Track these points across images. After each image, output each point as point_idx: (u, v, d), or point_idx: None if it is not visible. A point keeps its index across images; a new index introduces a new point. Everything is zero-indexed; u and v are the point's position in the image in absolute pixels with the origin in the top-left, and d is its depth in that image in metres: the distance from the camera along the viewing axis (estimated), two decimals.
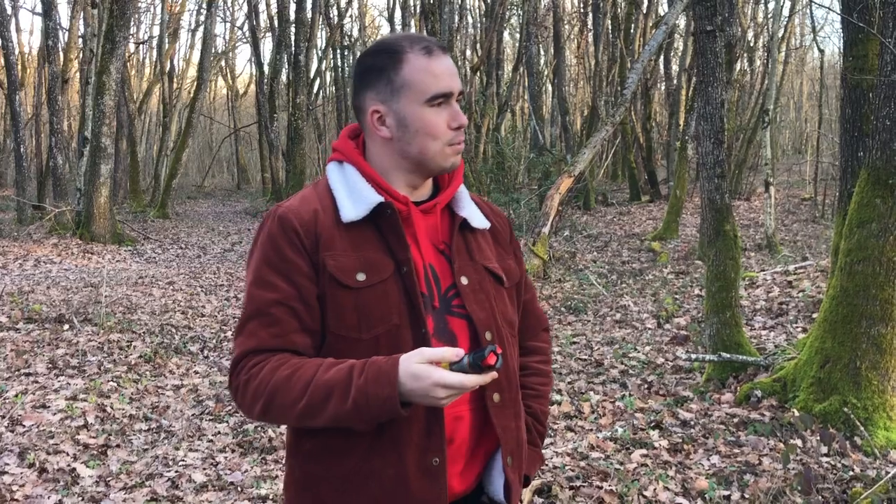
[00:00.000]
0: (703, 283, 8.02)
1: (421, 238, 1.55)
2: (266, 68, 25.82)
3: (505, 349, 1.57)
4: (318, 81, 31.27)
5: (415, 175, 1.57)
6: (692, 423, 4.47)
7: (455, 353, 1.36)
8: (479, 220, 1.64)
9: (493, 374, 1.36)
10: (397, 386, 1.35)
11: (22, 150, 16.68)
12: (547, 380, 1.80)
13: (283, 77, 24.89)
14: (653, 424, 4.49)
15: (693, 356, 5.33)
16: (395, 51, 1.51)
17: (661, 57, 23.06)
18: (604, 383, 5.51)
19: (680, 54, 23.61)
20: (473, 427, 1.54)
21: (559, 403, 4.91)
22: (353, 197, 1.52)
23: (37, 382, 5.37)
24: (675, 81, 24.09)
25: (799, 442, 4.03)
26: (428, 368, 1.34)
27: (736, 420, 4.44)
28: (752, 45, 21.71)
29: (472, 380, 1.34)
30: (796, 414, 4.19)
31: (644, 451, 4.07)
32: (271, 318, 1.48)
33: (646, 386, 5.36)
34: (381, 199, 1.51)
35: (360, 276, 1.47)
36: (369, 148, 1.58)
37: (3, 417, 4.62)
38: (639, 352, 6.34)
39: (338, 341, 1.48)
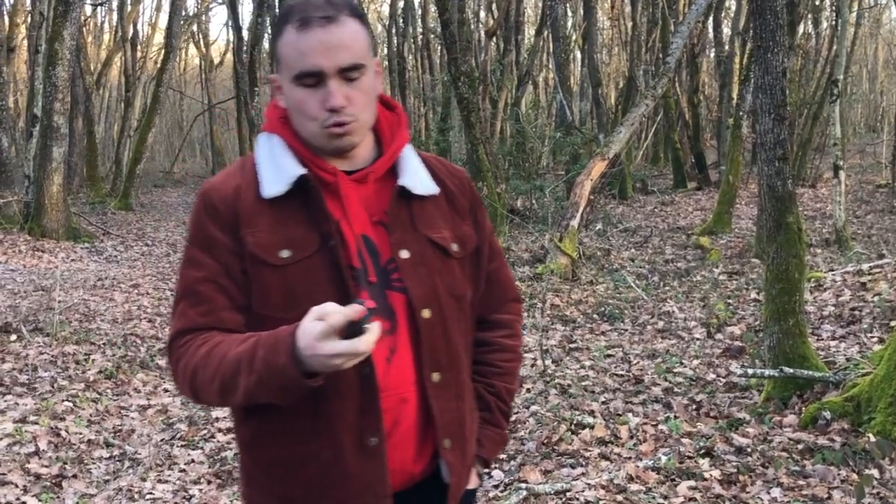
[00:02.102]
0: (760, 286, 7.97)
1: (353, 209, 1.68)
2: (245, 34, 25.87)
3: (444, 325, 1.71)
4: None
5: (322, 149, 1.69)
6: (749, 449, 4.46)
7: (358, 310, 1.44)
8: (423, 187, 1.75)
9: (369, 338, 1.44)
10: (294, 353, 1.46)
11: None
12: (513, 356, 1.94)
13: (266, 44, 24.92)
14: (702, 452, 4.48)
15: (749, 371, 5.32)
16: (282, 20, 1.65)
17: (711, 18, 22.97)
18: (644, 403, 5.50)
19: (732, 15, 23.54)
20: (421, 407, 1.69)
21: (591, 427, 4.91)
22: (276, 171, 1.67)
23: None
24: (726, 47, 23.99)
25: (875, 472, 4.01)
26: (312, 328, 1.44)
27: (800, 446, 4.42)
28: (817, 3, 21.62)
29: (344, 345, 1.43)
30: (872, 439, 4.17)
31: (692, 483, 4.06)
32: (199, 297, 1.66)
33: (694, 406, 5.35)
34: (302, 171, 1.65)
35: (284, 253, 1.63)
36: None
37: None
38: (685, 366, 6.32)
39: (262, 322, 1.61)
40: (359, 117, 1.65)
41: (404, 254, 1.69)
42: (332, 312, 1.44)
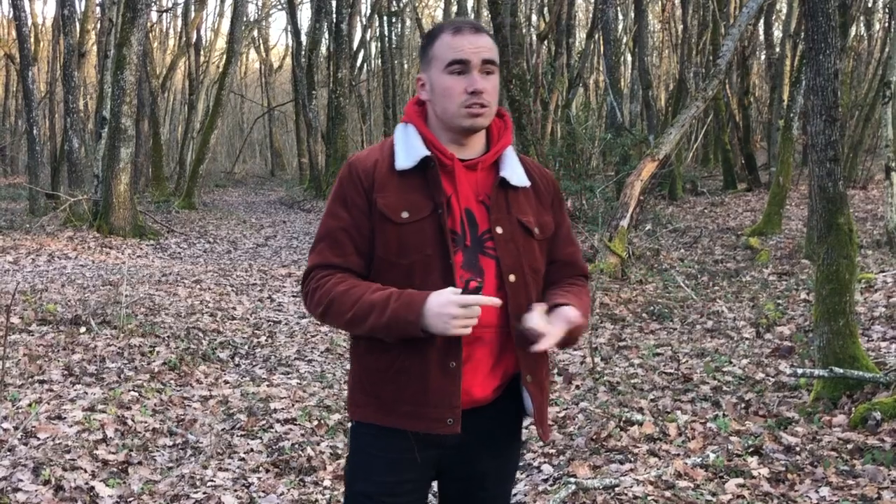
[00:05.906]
0: (810, 286, 7.85)
1: (462, 188, 2.14)
2: (304, 39, 26.13)
3: (527, 290, 2.16)
4: (361, 53, 31.53)
5: (450, 133, 2.15)
6: (798, 448, 4.41)
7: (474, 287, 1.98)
8: (518, 180, 2.20)
9: (481, 298, 1.98)
10: (422, 314, 1.99)
11: (35, 131, 17.17)
12: (583, 290, 2.30)
13: (323, 49, 25.17)
14: (751, 450, 4.44)
15: (799, 371, 5.24)
16: (434, 32, 2.16)
17: (762, 21, 22.63)
18: (693, 401, 5.46)
19: (784, 17, 23.16)
20: (492, 348, 2.13)
21: (640, 424, 4.88)
22: (407, 150, 2.15)
23: (51, 391, 5.55)
24: (777, 49, 23.63)
25: None
26: (445, 294, 1.98)
27: (850, 446, 4.36)
28: (870, 5, 21.17)
29: (474, 298, 1.97)
30: None
31: (740, 481, 4.03)
32: (335, 241, 2.15)
33: (743, 405, 5.29)
34: (427, 152, 2.12)
35: (405, 214, 2.10)
36: (428, 112, 2.20)
37: (17, 429, 4.78)
38: (734, 365, 6.25)
39: (381, 264, 2.12)
40: (491, 105, 2.11)
41: (499, 229, 2.13)
42: (458, 294, 1.97)
